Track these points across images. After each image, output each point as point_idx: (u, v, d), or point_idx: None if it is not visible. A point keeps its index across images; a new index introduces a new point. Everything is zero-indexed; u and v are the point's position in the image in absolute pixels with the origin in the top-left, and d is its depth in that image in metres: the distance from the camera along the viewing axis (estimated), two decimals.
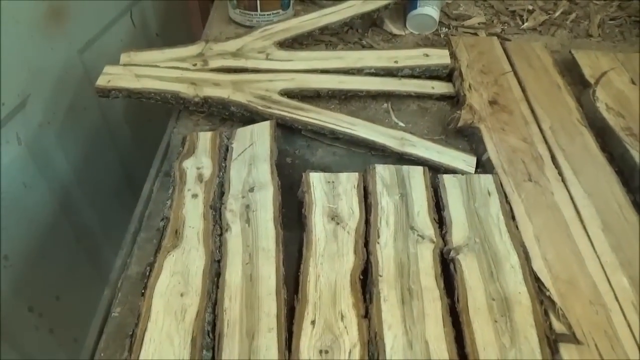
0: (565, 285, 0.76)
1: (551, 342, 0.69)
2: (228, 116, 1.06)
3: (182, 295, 0.72)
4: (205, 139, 0.97)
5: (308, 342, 0.68)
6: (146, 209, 0.90)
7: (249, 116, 1.03)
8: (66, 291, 1.36)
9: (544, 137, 1.02)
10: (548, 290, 0.75)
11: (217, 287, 0.75)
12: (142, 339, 0.67)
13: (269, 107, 1.02)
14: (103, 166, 1.49)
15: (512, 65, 1.21)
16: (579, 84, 1.20)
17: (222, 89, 1.05)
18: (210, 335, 0.69)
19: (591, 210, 0.88)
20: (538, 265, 0.78)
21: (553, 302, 0.73)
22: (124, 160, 1.56)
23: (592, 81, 1.16)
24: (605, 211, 0.87)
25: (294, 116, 1.02)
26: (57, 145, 1.28)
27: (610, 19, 1.49)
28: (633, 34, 1.43)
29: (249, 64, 1.13)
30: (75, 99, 1.33)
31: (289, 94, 1.07)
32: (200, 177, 0.90)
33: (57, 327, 1.34)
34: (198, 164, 0.92)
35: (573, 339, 0.69)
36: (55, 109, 1.26)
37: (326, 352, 0.67)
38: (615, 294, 0.75)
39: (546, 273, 0.77)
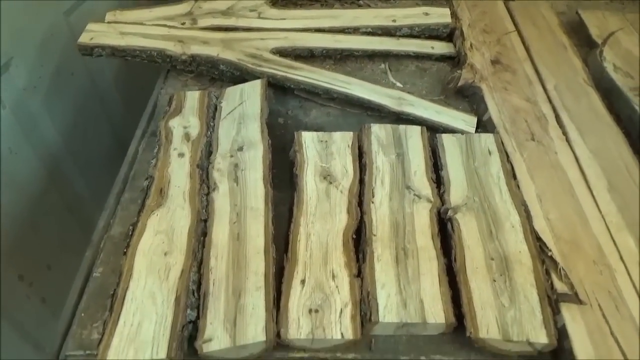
0: (568, 245, 0.72)
1: (552, 301, 0.66)
2: (217, 76, 1.02)
3: (166, 254, 0.69)
4: (193, 98, 0.93)
5: (297, 301, 0.65)
6: (131, 170, 0.87)
7: (239, 76, 0.99)
8: (58, 260, 1.33)
9: (548, 97, 0.98)
10: (550, 250, 0.71)
11: (203, 246, 0.71)
12: (124, 298, 0.64)
13: (260, 66, 0.98)
14: (93, 134, 1.45)
15: (515, 25, 1.16)
16: (586, 45, 1.15)
17: (211, 47, 1.00)
18: (195, 294, 0.66)
19: (597, 170, 0.84)
20: (540, 225, 0.75)
21: (555, 262, 0.70)
22: (115, 128, 1.51)
23: (599, 41, 1.11)
24: (612, 171, 0.83)
25: (286, 75, 0.97)
26: (43, 110, 1.23)
27: None
28: None
29: (240, 22, 1.08)
30: (62, 63, 1.28)
31: (281, 52, 1.02)
32: (187, 136, 0.86)
33: (49, 296, 1.31)
34: (185, 123, 0.88)
35: (575, 298, 0.66)
36: (40, 73, 1.22)
37: (316, 311, 0.64)
38: (620, 254, 0.72)
39: (548, 233, 0.74)
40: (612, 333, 0.63)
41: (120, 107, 1.54)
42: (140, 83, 1.53)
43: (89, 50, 0.98)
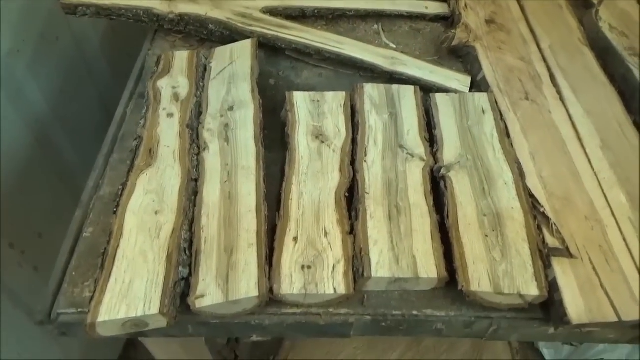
0: (561, 201, 0.73)
1: (544, 255, 0.66)
2: (206, 36, 0.99)
3: (156, 213, 0.68)
4: (181, 58, 0.91)
5: (290, 257, 0.65)
6: (119, 131, 0.85)
7: (229, 35, 0.96)
8: (49, 228, 1.33)
9: (542, 56, 0.96)
10: (542, 207, 0.71)
11: (194, 205, 0.71)
12: (115, 256, 0.64)
13: (250, 25, 0.95)
14: (81, 100, 1.42)
15: None
16: (582, 5, 1.13)
17: (200, 6, 0.97)
18: (187, 252, 0.66)
19: (590, 128, 0.83)
20: (533, 182, 0.74)
21: (547, 218, 0.70)
22: (103, 92, 1.49)
23: (595, 1, 1.09)
24: (605, 130, 0.83)
25: (277, 34, 0.95)
26: (28, 75, 1.20)
27: None
28: None
29: None
30: (46, 27, 1.24)
31: (272, 12, 1.00)
32: (176, 97, 0.84)
33: (41, 264, 1.31)
34: (174, 83, 0.86)
35: (566, 253, 0.66)
36: (24, 37, 1.18)
37: (309, 267, 0.64)
38: (612, 210, 0.72)
39: (541, 190, 0.74)
40: (602, 285, 0.64)
41: (107, 71, 1.50)
42: (127, 46, 1.49)
43: (72, 9, 0.95)
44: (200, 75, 0.89)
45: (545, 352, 1.51)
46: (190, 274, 0.64)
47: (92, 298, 0.61)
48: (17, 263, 1.27)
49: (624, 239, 0.69)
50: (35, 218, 1.33)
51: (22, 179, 1.26)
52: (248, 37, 0.94)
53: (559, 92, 0.89)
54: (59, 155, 1.37)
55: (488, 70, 0.92)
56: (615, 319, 0.61)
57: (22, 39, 1.19)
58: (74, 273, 0.67)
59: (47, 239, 1.36)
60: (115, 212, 0.69)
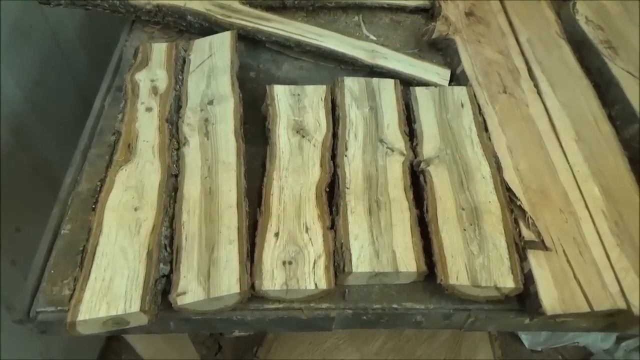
0: (537, 194, 0.74)
1: (520, 248, 0.67)
2: (185, 28, 0.98)
3: (136, 209, 0.68)
4: (159, 50, 0.89)
5: (271, 253, 0.65)
6: (97, 125, 0.84)
7: (208, 27, 0.95)
8: (26, 221, 1.30)
9: (521, 49, 0.97)
10: (519, 200, 0.73)
11: (175, 201, 0.70)
12: (94, 254, 0.63)
13: (229, 17, 0.94)
14: (58, 92, 1.39)
15: None
16: None
17: None
18: (168, 249, 0.66)
19: (566, 121, 0.85)
20: (510, 176, 0.76)
21: (523, 211, 0.72)
22: (80, 83, 1.45)
23: None
24: (580, 123, 0.85)
25: (256, 26, 0.94)
26: (2, 66, 1.17)
27: None
28: None
29: None
30: (20, 16, 1.21)
31: (251, 3, 0.98)
32: (154, 90, 0.83)
33: (18, 258, 1.29)
34: (152, 76, 0.85)
35: (542, 245, 0.68)
36: None
37: (290, 263, 0.64)
38: (585, 203, 0.74)
39: (518, 183, 0.75)
40: (575, 276, 0.66)
41: (85, 60, 1.47)
42: (105, 35, 1.46)
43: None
44: (179, 68, 0.87)
45: (524, 337, 1.55)
46: (171, 271, 0.64)
47: (71, 296, 0.60)
48: None
49: (597, 231, 0.71)
50: (12, 212, 1.31)
51: None
52: (227, 29, 0.93)
53: (536, 86, 0.90)
54: (36, 148, 1.34)
55: (467, 64, 0.92)
56: (587, 310, 0.63)
57: None
58: (52, 271, 0.67)
59: (25, 233, 1.34)
60: (94, 209, 0.68)
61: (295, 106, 0.82)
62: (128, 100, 0.81)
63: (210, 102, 0.81)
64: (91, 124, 0.84)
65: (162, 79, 0.85)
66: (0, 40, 1.17)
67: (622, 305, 0.64)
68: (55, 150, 1.42)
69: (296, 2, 1.02)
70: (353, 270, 0.64)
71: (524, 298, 0.66)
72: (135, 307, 0.59)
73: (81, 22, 1.42)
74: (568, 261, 0.67)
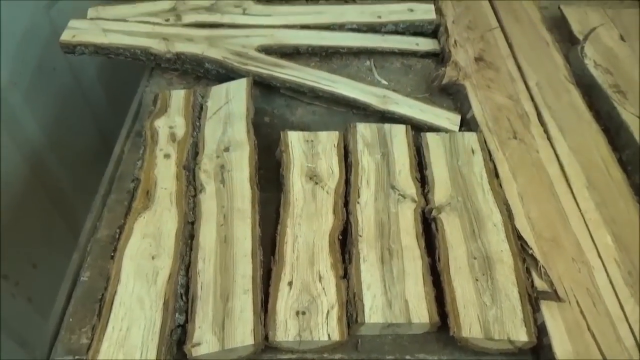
0: (548, 243, 0.74)
1: (532, 299, 0.68)
2: (203, 74, 1.01)
3: (153, 257, 0.70)
4: (178, 97, 0.92)
5: (285, 303, 0.66)
6: (117, 171, 0.86)
7: (225, 74, 0.98)
8: (43, 258, 1.33)
9: (530, 94, 0.99)
10: (531, 249, 0.73)
11: (191, 249, 0.72)
12: (112, 303, 0.65)
13: (246, 64, 0.97)
14: (77, 130, 1.43)
15: (499, 20, 1.17)
16: (568, 41, 1.16)
17: (196, 45, 0.99)
18: (184, 298, 0.67)
19: (576, 167, 0.86)
20: (521, 224, 0.76)
21: (535, 260, 0.72)
22: (100, 124, 1.50)
23: (580, 37, 1.12)
24: (590, 168, 0.86)
25: (271, 73, 0.97)
26: (25, 107, 1.21)
27: None
28: None
29: (225, 19, 1.07)
30: (43, 59, 1.26)
31: (266, 50, 1.02)
32: (172, 137, 0.86)
33: (35, 295, 1.31)
34: (171, 123, 0.88)
35: (555, 296, 0.68)
36: (21, 70, 1.19)
37: (303, 313, 0.65)
38: (598, 251, 0.74)
39: (529, 231, 0.76)
40: (589, 329, 0.65)
41: (104, 102, 1.52)
42: (124, 78, 1.51)
43: (71, 49, 0.97)
44: (196, 114, 0.90)
45: None
46: (186, 321, 0.65)
47: (89, 346, 0.62)
48: (10, 294, 1.27)
49: (610, 281, 0.71)
50: (30, 249, 1.33)
51: (17, 210, 1.26)
52: (244, 76, 0.96)
53: (546, 131, 0.91)
54: (53, 184, 1.37)
55: (477, 109, 0.94)
56: None
57: (18, 72, 1.20)
58: (71, 319, 0.68)
59: (41, 270, 1.36)
60: (112, 257, 0.70)
61: (309, 153, 0.84)
62: (147, 147, 0.83)
63: (227, 149, 0.84)
64: (111, 170, 0.86)
65: (180, 125, 0.87)
66: (24, 83, 1.21)
67: (637, 358, 0.64)
68: (73, 188, 1.45)
69: (309, 48, 1.05)
70: (366, 321, 0.65)
71: (538, 350, 0.66)
72: (151, 358, 0.60)
73: (101, 62, 1.48)
74: (582, 313, 0.67)
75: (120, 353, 0.61)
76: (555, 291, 0.69)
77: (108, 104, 1.53)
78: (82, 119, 1.46)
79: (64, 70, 1.35)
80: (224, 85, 0.95)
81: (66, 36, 0.97)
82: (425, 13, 1.12)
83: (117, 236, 0.72)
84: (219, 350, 0.61)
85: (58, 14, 1.27)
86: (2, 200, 1.18)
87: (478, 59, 1.05)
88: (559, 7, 1.22)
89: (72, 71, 1.37)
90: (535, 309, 0.67)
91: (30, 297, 1.32)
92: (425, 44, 1.11)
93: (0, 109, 1.14)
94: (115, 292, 0.66)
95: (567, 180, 0.84)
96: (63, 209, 1.39)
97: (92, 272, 0.73)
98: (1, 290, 1.24)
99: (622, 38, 1.12)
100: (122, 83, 1.49)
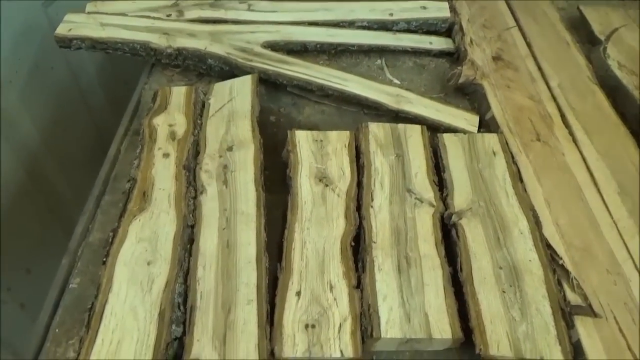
0: (580, 252, 0.68)
1: (566, 314, 0.61)
2: (205, 71, 0.96)
3: (149, 263, 0.64)
4: (179, 94, 0.87)
5: (292, 315, 0.60)
6: (112, 171, 0.81)
7: (228, 71, 0.93)
8: (37, 264, 1.27)
9: (552, 95, 0.94)
10: (561, 258, 0.67)
11: (190, 254, 0.66)
12: (102, 313, 0.59)
13: (250, 60, 0.92)
14: (75, 131, 1.38)
15: (516, 20, 1.12)
16: (587, 42, 1.11)
17: (199, 40, 0.94)
18: (181, 308, 0.61)
19: (606, 172, 0.80)
20: (549, 231, 0.70)
21: (567, 271, 0.66)
22: (98, 124, 1.45)
23: (602, 38, 1.07)
24: (621, 173, 0.80)
25: (278, 70, 0.92)
26: (20, 106, 1.16)
27: None
28: None
29: (229, 14, 1.02)
30: (40, 57, 1.21)
31: (273, 46, 0.97)
32: (172, 135, 0.80)
33: (28, 302, 1.25)
34: (170, 121, 0.82)
35: (590, 311, 0.62)
36: (17, 67, 1.15)
37: (313, 326, 0.59)
38: (634, 262, 0.68)
39: (558, 239, 0.70)
40: (629, 348, 0.59)
41: (103, 102, 1.47)
42: (124, 78, 1.46)
43: (67, 43, 0.92)
44: (198, 112, 0.85)
45: None
46: (184, 333, 0.59)
47: None
48: (2, 300, 1.21)
49: None
50: (23, 253, 1.28)
51: (11, 213, 1.21)
52: (248, 73, 0.91)
53: (571, 134, 0.86)
54: (49, 187, 1.32)
55: (497, 110, 0.88)
56: None
57: (14, 70, 1.15)
58: (57, 330, 0.62)
59: (35, 275, 1.31)
60: (104, 262, 0.64)
61: (318, 153, 0.79)
62: (145, 146, 0.78)
63: (230, 148, 0.78)
64: (106, 170, 0.81)
65: (180, 123, 0.82)
66: (20, 82, 1.16)
67: None
68: (70, 191, 1.40)
69: (318, 45, 1.00)
70: (382, 336, 0.58)
71: None
72: None
73: (101, 61, 1.43)
74: (620, 330, 0.60)
75: None
76: (590, 305, 0.62)
77: (107, 105, 1.48)
78: (80, 120, 1.41)
79: (62, 69, 1.30)
80: (228, 82, 0.90)
81: (62, 30, 0.92)
82: (439, 11, 1.08)
83: (110, 240, 0.66)
84: None
85: (56, 12, 1.23)
86: None
87: (496, 58, 1.00)
88: (577, 8, 1.18)
89: (71, 70, 1.33)
90: (569, 325, 0.61)
91: (23, 304, 1.26)
92: (439, 43, 1.06)
93: None
94: (107, 300, 0.60)
95: (596, 185, 0.78)
96: (59, 212, 1.33)
97: (82, 278, 0.67)
98: None
99: None
100: (122, 83, 1.44)
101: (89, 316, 0.59)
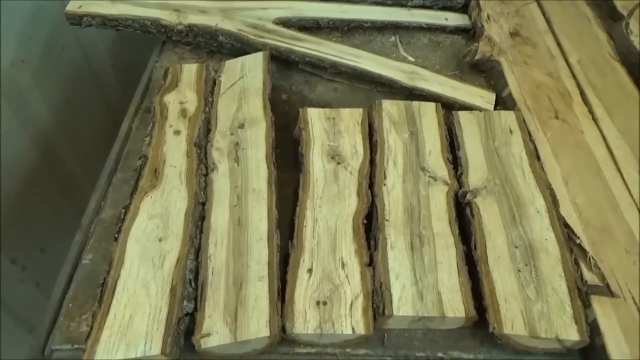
0: (598, 232, 0.67)
1: (582, 294, 0.60)
2: (216, 48, 0.95)
3: (160, 240, 0.64)
4: (190, 71, 0.86)
5: (304, 292, 0.59)
6: (124, 148, 0.81)
7: (240, 47, 0.92)
8: (52, 243, 1.29)
9: (571, 71, 0.91)
10: (578, 238, 0.66)
11: (201, 231, 0.66)
12: (114, 288, 0.59)
13: (262, 37, 0.91)
14: (88, 110, 1.39)
15: None
16: (609, 17, 1.07)
17: (210, 17, 0.93)
18: (193, 284, 0.61)
19: (626, 150, 0.78)
20: (567, 210, 0.69)
21: (584, 251, 0.64)
22: (110, 103, 1.45)
23: (624, 13, 1.04)
24: None
25: (290, 47, 0.90)
26: (33, 86, 1.17)
27: None
28: None
29: None
30: (52, 37, 1.21)
31: (284, 23, 0.95)
32: (183, 113, 0.79)
33: (43, 280, 1.27)
34: (181, 98, 0.82)
35: (607, 291, 0.60)
36: (29, 47, 1.15)
37: (324, 303, 0.58)
38: None
39: (576, 218, 0.68)
40: None
41: (114, 81, 1.47)
42: (135, 57, 1.46)
43: (77, 20, 0.91)
44: (209, 89, 0.84)
45: None
46: (195, 309, 0.59)
47: (89, 335, 0.56)
48: (18, 279, 1.23)
49: None
50: (38, 233, 1.29)
51: (25, 193, 1.22)
52: (260, 50, 0.89)
53: (590, 111, 0.83)
54: (62, 166, 1.33)
55: (514, 87, 0.86)
56: None
57: (26, 50, 1.15)
58: (70, 304, 0.63)
59: (49, 254, 1.32)
60: (116, 239, 0.64)
61: (330, 131, 0.78)
62: (156, 123, 0.77)
63: (241, 126, 0.77)
64: (117, 148, 0.81)
65: (191, 101, 0.81)
66: (33, 61, 1.16)
67: None
68: (81, 168, 1.41)
69: (330, 22, 0.98)
70: (394, 314, 0.58)
71: (588, 352, 0.59)
72: (155, 349, 0.54)
73: (112, 43, 1.42)
74: (639, 310, 0.59)
75: (122, 343, 0.55)
76: (608, 285, 0.61)
77: (118, 83, 1.48)
78: (91, 99, 1.41)
79: (73, 48, 1.30)
80: (239, 59, 0.89)
81: (72, 6, 0.92)
82: None
83: (122, 216, 0.66)
84: (231, 342, 0.55)
85: None
86: (8, 183, 1.14)
87: (514, 34, 0.97)
88: None
89: (82, 50, 1.32)
90: (586, 304, 0.59)
91: (39, 282, 1.28)
92: (454, 19, 1.04)
93: (5, 87, 1.09)
94: (119, 276, 0.60)
95: (616, 164, 0.76)
96: (72, 191, 1.34)
97: (94, 254, 0.67)
98: (9, 275, 1.20)
99: None
100: (134, 62, 1.43)
101: (101, 291, 0.60)
